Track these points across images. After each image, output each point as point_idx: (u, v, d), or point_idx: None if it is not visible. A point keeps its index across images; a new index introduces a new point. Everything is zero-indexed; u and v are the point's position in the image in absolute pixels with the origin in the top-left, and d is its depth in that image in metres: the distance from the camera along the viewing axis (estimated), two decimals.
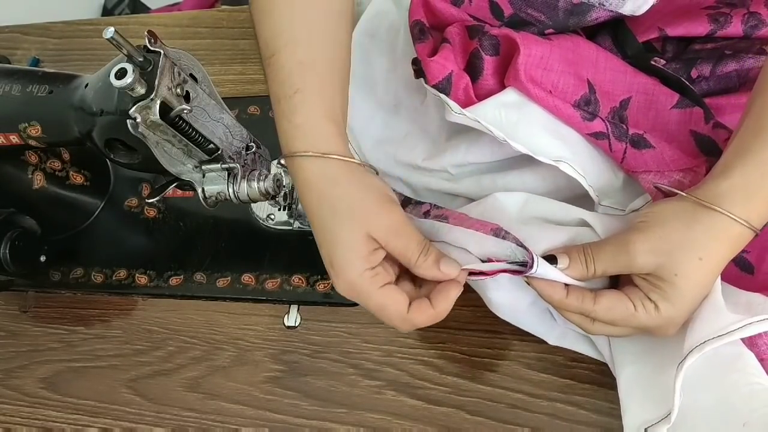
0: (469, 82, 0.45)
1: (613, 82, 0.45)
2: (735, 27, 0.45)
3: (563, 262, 0.40)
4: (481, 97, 0.45)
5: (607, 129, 0.44)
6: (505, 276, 0.43)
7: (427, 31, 0.47)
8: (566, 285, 0.40)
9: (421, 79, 0.47)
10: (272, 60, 0.42)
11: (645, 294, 0.39)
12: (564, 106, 0.43)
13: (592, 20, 0.45)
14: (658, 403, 0.40)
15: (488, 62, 0.45)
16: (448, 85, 0.45)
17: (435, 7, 0.48)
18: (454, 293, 0.41)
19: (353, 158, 0.42)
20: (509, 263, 0.40)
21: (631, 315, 0.39)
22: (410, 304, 0.40)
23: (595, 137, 0.44)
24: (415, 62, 0.50)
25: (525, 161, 0.48)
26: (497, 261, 0.41)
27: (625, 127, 0.44)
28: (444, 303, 0.41)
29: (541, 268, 0.39)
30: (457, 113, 0.44)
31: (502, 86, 0.45)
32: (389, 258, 0.41)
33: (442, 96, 0.44)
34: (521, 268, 0.40)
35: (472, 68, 0.46)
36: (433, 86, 0.45)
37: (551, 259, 0.40)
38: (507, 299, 0.46)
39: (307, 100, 0.42)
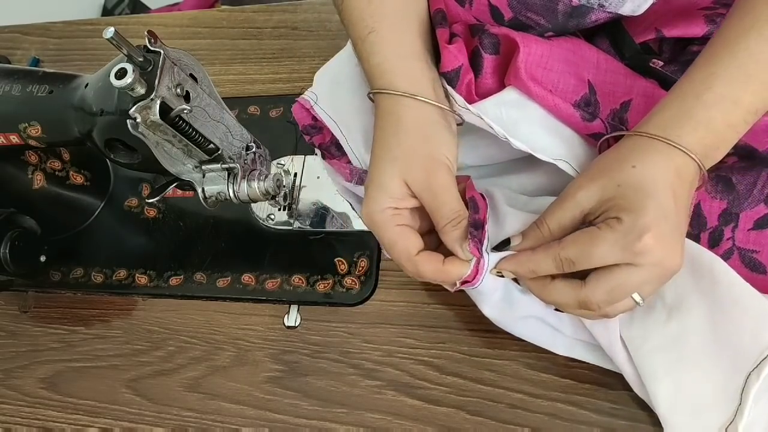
0: (473, 79, 0.45)
1: (614, 83, 0.45)
2: None
3: (515, 239, 0.41)
4: (480, 95, 0.45)
5: (607, 131, 0.44)
6: (495, 292, 0.45)
7: (446, 20, 0.47)
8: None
9: None
10: (344, 5, 0.45)
11: (604, 219, 0.38)
12: (564, 105, 0.44)
13: (591, 22, 0.45)
14: (714, 410, 0.40)
15: (488, 61, 0.45)
16: (456, 77, 0.45)
17: (447, 3, 0.48)
18: (468, 261, 0.42)
19: (428, 99, 0.42)
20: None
21: (596, 237, 0.37)
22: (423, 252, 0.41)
23: (594, 138, 0.44)
24: None
25: (522, 164, 0.49)
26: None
27: (624, 129, 0.44)
28: (456, 267, 0.41)
29: (493, 257, 0.41)
30: (461, 107, 0.44)
31: (500, 86, 0.45)
32: (419, 210, 0.42)
33: (449, 88, 0.44)
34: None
35: (473, 66, 0.46)
36: (443, 74, 0.45)
37: (505, 242, 0.41)
38: (498, 314, 0.46)
39: (381, 40, 0.43)
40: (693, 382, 0.41)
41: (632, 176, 0.37)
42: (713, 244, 0.43)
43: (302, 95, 0.51)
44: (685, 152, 0.37)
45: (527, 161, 0.44)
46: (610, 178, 0.37)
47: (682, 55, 0.47)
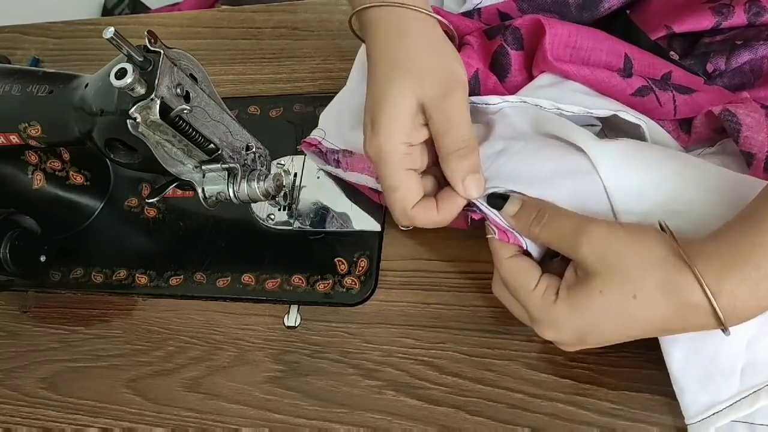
0: (497, 80, 0.44)
1: (649, 60, 0.44)
2: (739, 17, 0.45)
3: (513, 204, 0.38)
4: (511, 93, 0.44)
5: (648, 83, 0.42)
6: None
7: (454, 39, 0.47)
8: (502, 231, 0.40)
9: None
10: None
11: (557, 282, 0.37)
12: (599, 70, 0.42)
13: (605, 10, 0.45)
14: (723, 385, 0.39)
15: (515, 57, 0.44)
16: (477, 84, 0.44)
17: (450, 19, 0.47)
18: (461, 201, 0.40)
19: (429, 11, 0.39)
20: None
21: (527, 291, 0.37)
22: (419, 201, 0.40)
23: (639, 95, 0.42)
24: None
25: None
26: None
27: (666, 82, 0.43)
28: (449, 210, 0.40)
29: (483, 208, 0.40)
30: (495, 103, 0.43)
31: (530, 81, 0.45)
32: (426, 144, 0.40)
33: (474, 99, 0.43)
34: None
35: (499, 66, 0.45)
36: None
37: (502, 197, 0.39)
38: None
39: None
40: (709, 349, 0.39)
41: (617, 304, 0.34)
42: None
43: (309, 136, 0.53)
44: (712, 312, 0.32)
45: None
46: (607, 279, 0.34)
47: (695, 48, 0.47)
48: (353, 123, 0.51)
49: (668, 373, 0.41)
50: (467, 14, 0.49)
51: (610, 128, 0.46)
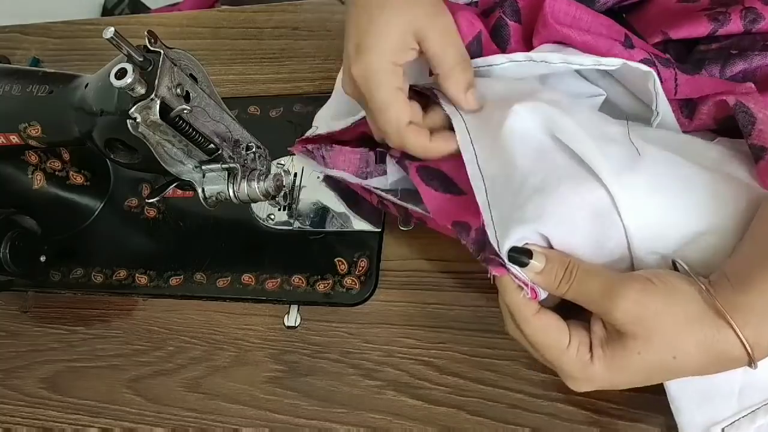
0: (498, 50, 0.44)
1: (649, 47, 0.44)
2: (735, 24, 0.45)
3: (539, 261, 0.37)
4: None
5: (651, 56, 0.42)
6: None
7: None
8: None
9: None
10: None
11: (591, 341, 0.36)
12: (601, 38, 0.42)
13: (601, 5, 0.45)
14: (721, 406, 0.39)
15: (514, 29, 0.43)
16: (479, 47, 0.43)
17: (451, 7, 0.47)
18: (454, 144, 0.40)
19: None
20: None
21: (560, 350, 0.36)
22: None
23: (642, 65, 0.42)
24: None
25: None
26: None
27: (669, 58, 0.42)
28: (441, 143, 0.39)
29: (509, 266, 0.37)
30: (500, 63, 0.42)
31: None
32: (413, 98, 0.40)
33: (478, 61, 0.43)
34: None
35: (498, 37, 0.44)
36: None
37: (526, 252, 0.37)
38: None
39: None
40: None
41: (657, 364, 0.35)
42: None
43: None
44: (749, 360, 0.33)
45: None
46: (646, 341, 0.34)
47: (691, 55, 0.47)
48: (337, 112, 0.51)
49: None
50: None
51: (617, 99, 0.46)
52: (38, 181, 0.61)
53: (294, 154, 0.55)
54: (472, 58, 0.43)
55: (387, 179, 0.51)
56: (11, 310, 0.64)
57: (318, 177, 0.58)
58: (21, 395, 0.59)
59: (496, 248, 0.38)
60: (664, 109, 0.43)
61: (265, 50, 0.69)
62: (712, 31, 0.45)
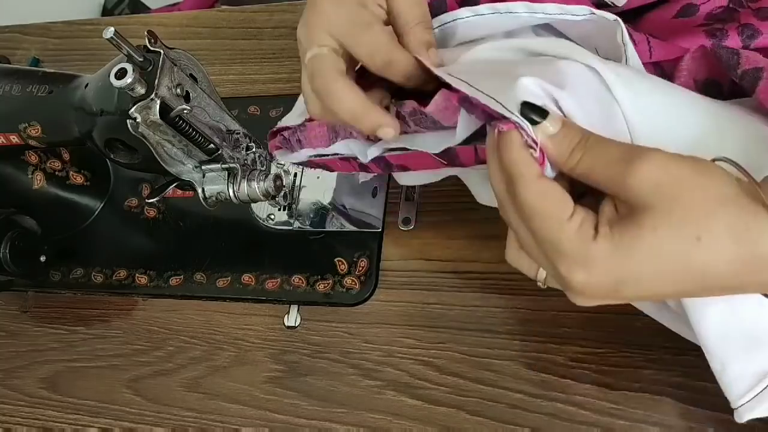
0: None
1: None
2: (733, 39, 0.44)
3: (554, 122, 0.31)
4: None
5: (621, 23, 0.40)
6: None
7: None
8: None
9: None
10: None
11: (596, 217, 0.30)
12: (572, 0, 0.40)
13: None
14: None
15: None
16: (443, 4, 0.44)
17: None
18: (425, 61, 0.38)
19: None
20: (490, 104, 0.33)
21: (560, 221, 0.30)
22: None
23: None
24: None
25: None
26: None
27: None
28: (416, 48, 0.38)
29: (515, 118, 0.31)
30: (466, 16, 0.41)
31: None
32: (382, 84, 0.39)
33: (443, 17, 0.43)
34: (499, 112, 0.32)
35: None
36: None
37: (540, 111, 0.31)
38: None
39: None
40: (751, 308, 0.33)
41: (676, 244, 0.28)
42: None
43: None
44: None
45: None
46: (665, 214, 0.28)
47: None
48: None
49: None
50: None
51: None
52: (38, 181, 0.61)
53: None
54: (436, 15, 0.42)
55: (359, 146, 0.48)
56: (11, 310, 0.64)
57: (317, 177, 0.58)
58: (21, 395, 0.59)
59: (506, 108, 0.32)
60: (635, 62, 0.41)
61: (264, 50, 0.69)
62: (713, 46, 0.45)
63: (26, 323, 0.63)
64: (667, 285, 0.29)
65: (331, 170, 0.49)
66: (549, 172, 0.32)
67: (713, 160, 0.30)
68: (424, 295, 0.52)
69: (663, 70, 0.44)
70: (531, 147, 0.31)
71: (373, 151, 0.44)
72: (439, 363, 0.50)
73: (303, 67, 0.40)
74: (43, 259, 0.61)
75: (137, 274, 0.61)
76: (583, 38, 0.44)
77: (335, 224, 0.57)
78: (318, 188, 0.58)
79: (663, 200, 0.28)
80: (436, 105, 0.38)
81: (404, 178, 0.51)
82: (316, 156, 0.48)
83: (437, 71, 0.37)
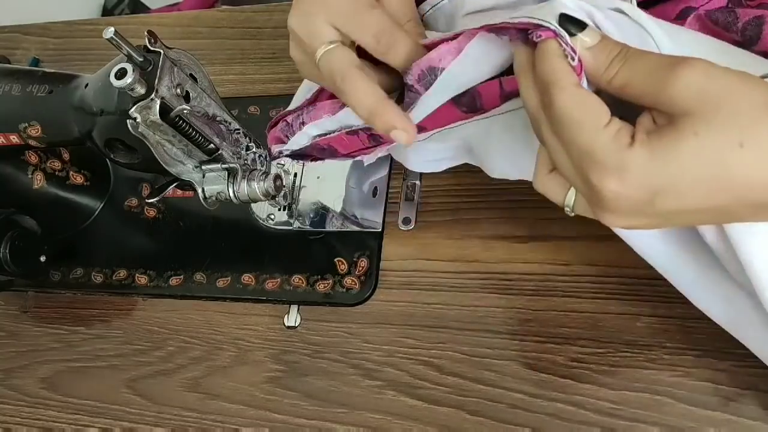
0: None
1: None
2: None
3: (592, 34, 0.30)
4: None
5: None
6: None
7: None
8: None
9: None
10: None
11: (633, 128, 0.29)
12: None
13: None
14: None
15: None
16: None
17: None
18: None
19: None
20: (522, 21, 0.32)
21: (596, 127, 0.29)
22: None
23: None
24: None
25: None
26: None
27: None
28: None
29: (554, 28, 0.31)
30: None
31: None
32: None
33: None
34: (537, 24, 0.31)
35: None
36: None
37: (578, 23, 0.31)
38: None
39: None
40: None
41: (718, 151, 0.27)
42: None
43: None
44: None
45: None
46: (707, 119, 0.27)
47: None
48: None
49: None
50: None
51: None
52: (38, 181, 0.61)
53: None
54: None
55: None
56: (11, 310, 0.64)
57: (317, 177, 0.58)
58: (21, 395, 0.59)
59: (543, 21, 0.31)
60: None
61: (264, 50, 0.69)
62: (706, 14, 0.44)
63: (26, 323, 0.63)
64: (705, 196, 0.28)
65: (336, 154, 0.47)
66: (585, 86, 0.31)
67: (762, 77, 0.29)
68: (424, 295, 0.52)
69: None
70: (569, 57, 0.31)
71: None
72: (439, 363, 0.50)
73: (302, 53, 0.41)
74: (43, 259, 0.61)
75: (137, 274, 0.61)
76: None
77: (335, 224, 0.57)
78: (318, 188, 0.58)
79: (706, 105, 0.27)
80: (447, 51, 0.36)
81: (411, 159, 0.50)
82: (319, 136, 0.46)
83: (456, 32, 0.36)
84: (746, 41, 0.38)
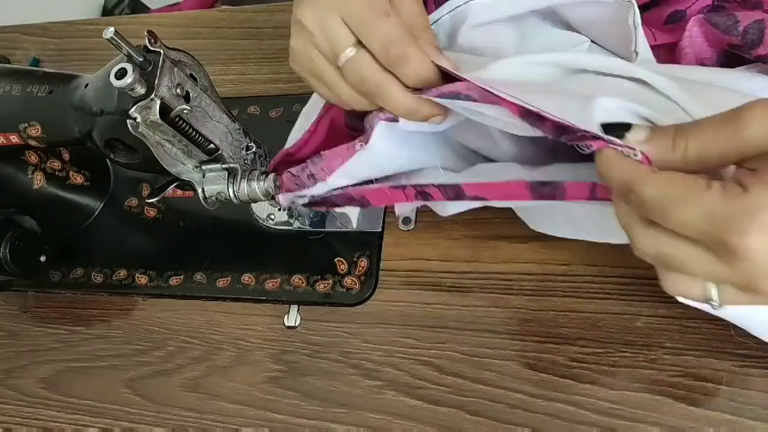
0: None
1: None
2: None
3: (639, 131, 0.30)
4: None
5: None
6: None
7: None
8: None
9: None
10: None
11: (731, 179, 0.28)
12: None
13: None
14: None
15: None
16: None
17: None
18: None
19: None
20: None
21: (701, 191, 0.27)
22: None
23: None
24: None
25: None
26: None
27: None
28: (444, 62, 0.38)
29: (606, 137, 0.30)
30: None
31: None
32: None
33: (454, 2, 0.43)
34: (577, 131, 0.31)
35: None
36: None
37: (620, 126, 0.30)
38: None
39: None
40: None
41: None
42: None
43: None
44: None
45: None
46: None
47: None
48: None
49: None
50: None
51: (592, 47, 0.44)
52: (38, 181, 0.61)
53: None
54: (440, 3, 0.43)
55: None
56: (11, 310, 0.64)
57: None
58: (21, 395, 0.59)
59: (582, 127, 0.31)
60: (643, 44, 0.41)
61: (264, 50, 0.69)
62: (706, 19, 0.44)
63: (26, 323, 0.63)
64: None
65: (365, 205, 0.45)
66: None
67: None
68: (424, 295, 0.52)
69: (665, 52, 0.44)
70: (631, 155, 0.30)
71: (450, 177, 0.42)
72: (439, 363, 0.50)
73: (311, 49, 0.41)
74: (43, 259, 0.61)
75: (137, 274, 0.61)
76: (586, 24, 0.44)
77: (335, 224, 0.57)
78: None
79: None
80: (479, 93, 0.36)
81: (449, 208, 0.49)
82: (341, 189, 0.44)
83: (476, 81, 0.35)
84: (747, 44, 0.38)
